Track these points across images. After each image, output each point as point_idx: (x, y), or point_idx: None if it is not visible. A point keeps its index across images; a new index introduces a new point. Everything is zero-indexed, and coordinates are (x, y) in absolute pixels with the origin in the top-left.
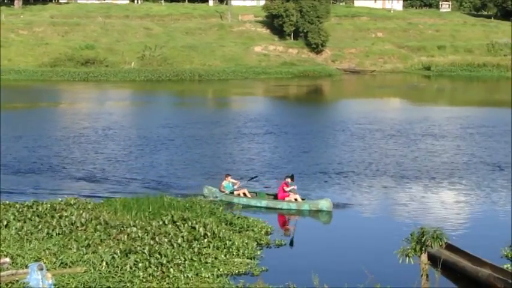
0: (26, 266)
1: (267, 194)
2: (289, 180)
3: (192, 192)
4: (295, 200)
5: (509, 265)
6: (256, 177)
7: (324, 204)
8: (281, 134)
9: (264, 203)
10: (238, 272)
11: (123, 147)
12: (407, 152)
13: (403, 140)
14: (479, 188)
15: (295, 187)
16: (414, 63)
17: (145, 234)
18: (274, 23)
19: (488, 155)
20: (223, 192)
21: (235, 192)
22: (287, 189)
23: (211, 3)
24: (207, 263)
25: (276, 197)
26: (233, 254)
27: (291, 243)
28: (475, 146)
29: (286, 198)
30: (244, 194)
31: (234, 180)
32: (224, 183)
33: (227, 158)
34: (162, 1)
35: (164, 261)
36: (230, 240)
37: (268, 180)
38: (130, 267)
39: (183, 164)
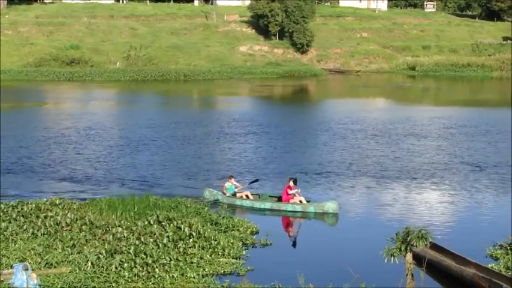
0: (11, 267)
1: (270, 196)
2: (292, 183)
3: (173, 192)
4: (300, 202)
5: (493, 264)
6: (257, 180)
7: (330, 206)
8: (263, 134)
9: (268, 205)
10: (224, 272)
11: (104, 147)
12: (388, 152)
13: (384, 140)
14: (462, 188)
15: (299, 190)
16: (399, 63)
17: (131, 234)
18: (260, 23)
19: (469, 155)
20: (225, 194)
21: (238, 195)
22: (291, 192)
23: (196, 3)
24: (192, 263)
25: (280, 199)
26: (218, 254)
27: (294, 245)
28: (456, 146)
29: (291, 201)
30: (247, 196)
31: (236, 183)
32: (227, 184)
33: (208, 158)
34: (147, 1)
35: (150, 261)
36: (215, 240)
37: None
38: (116, 268)
39: (162, 165)
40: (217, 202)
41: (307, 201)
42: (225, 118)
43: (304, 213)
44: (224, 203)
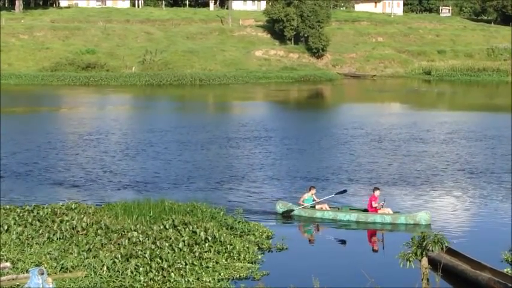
0: (27, 271)
1: (351, 208)
2: (378, 192)
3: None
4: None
5: (509, 269)
6: (345, 191)
7: (423, 216)
8: (266, 140)
9: (353, 216)
10: (239, 276)
11: (109, 152)
12: (386, 158)
13: (384, 145)
14: (475, 193)
15: (383, 203)
16: (414, 68)
17: (146, 238)
18: (275, 28)
19: (481, 161)
20: (301, 205)
21: (317, 207)
22: (376, 205)
23: (212, 7)
24: (208, 267)
25: (365, 211)
26: (234, 259)
27: (309, 250)
28: (467, 152)
29: (380, 211)
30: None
31: (315, 197)
32: (306, 196)
33: (200, 163)
34: (163, 5)
35: (165, 266)
36: (231, 245)
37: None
38: (131, 272)
39: (155, 170)
40: (293, 215)
41: (395, 213)
42: (233, 123)
43: (394, 225)
44: (301, 215)
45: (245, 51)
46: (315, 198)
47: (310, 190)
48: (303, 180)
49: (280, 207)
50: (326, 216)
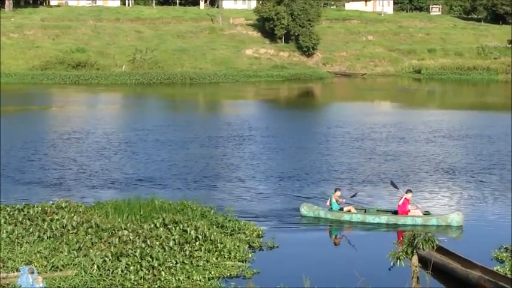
0: (17, 270)
1: (378, 210)
2: (410, 195)
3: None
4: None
5: (499, 267)
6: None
7: (454, 218)
8: (246, 139)
9: (384, 219)
10: (230, 274)
11: (84, 151)
12: (367, 158)
13: (367, 144)
14: (466, 191)
15: (420, 207)
16: (405, 67)
17: (137, 237)
18: (266, 26)
19: (471, 158)
20: (328, 208)
21: (345, 209)
22: (409, 207)
23: (202, 6)
24: (198, 266)
25: (395, 213)
26: (224, 257)
27: (300, 248)
28: (443, 150)
29: (410, 213)
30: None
31: (339, 199)
32: (334, 199)
33: (184, 163)
34: (153, 4)
35: (156, 264)
36: (222, 243)
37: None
38: (122, 271)
39: (149, 169)
40: (320, 219)
41: (426, 214)
42: (217, 122)
43: (425, 227)
44: (328, 218)
45: (235, 50)
46: (338, 199)
47: (335, 192)
48: (277, 180)
49: (305, 210)
50: (355, 219)
